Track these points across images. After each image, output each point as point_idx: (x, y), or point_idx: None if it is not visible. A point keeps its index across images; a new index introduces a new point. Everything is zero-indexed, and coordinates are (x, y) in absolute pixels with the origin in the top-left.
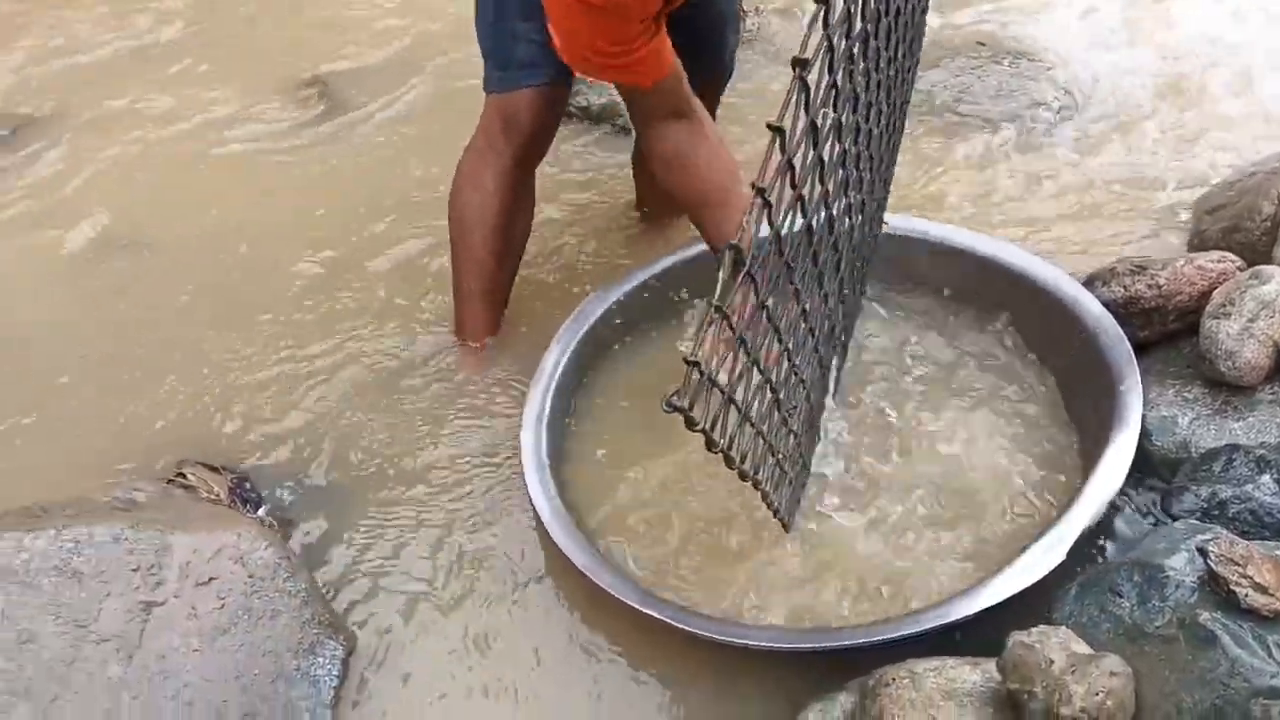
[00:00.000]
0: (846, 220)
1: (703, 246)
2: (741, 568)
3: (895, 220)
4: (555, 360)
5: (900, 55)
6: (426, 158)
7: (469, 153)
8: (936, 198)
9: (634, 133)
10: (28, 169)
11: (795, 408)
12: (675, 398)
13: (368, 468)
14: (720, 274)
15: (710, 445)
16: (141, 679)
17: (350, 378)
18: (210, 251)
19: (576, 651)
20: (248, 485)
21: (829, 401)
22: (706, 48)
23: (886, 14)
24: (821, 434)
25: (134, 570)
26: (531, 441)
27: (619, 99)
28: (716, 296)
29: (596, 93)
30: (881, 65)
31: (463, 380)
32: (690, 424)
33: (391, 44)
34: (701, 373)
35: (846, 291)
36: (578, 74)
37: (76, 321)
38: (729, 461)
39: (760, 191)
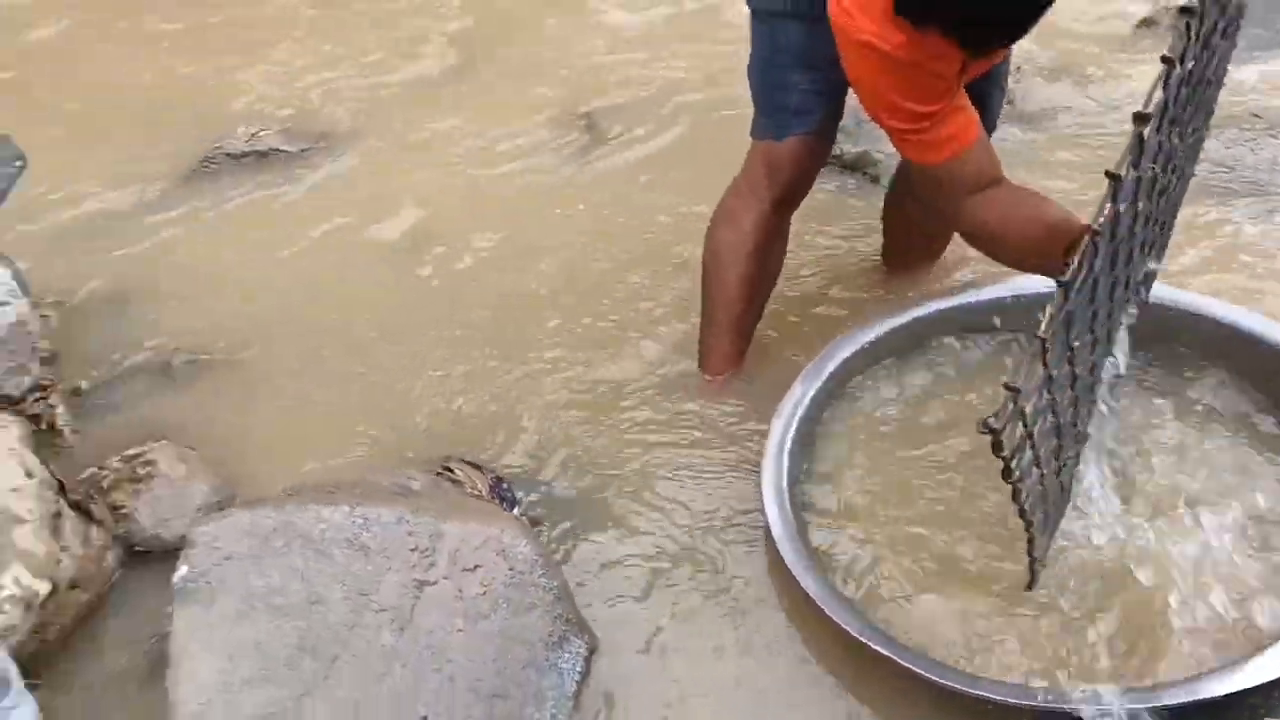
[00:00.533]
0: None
1: (946, 302)
2: (987, 623)
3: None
4: (798, 398)
5: (1197, 124)
6: (681, 193)
7: (730, 193)
8: (1202, 266)
9: (885, 182)
10: (324, 181)
11: (1071, 457)
12: (993, 419)
13: (609, 483)
14: (1049, 309)
15: (1006, 475)
16: (411, 650)
17: (597, 398)
18: (484, 266)
19: (804, 686)
20: (505, 485)
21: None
22: (976, 106)
23: (1198, 82)
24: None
25: (412, 550)
26: (772, 475)
27: (870, 149)
28: (1043, 328)
29: (851, 141)
30: (1186, 130)
31: (702, 410)
32: (997, 449)
33: (653, 84)
34: (1016, 401)
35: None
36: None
37: (370, 318)
38: (1015, 495)
39: (1095, 233)
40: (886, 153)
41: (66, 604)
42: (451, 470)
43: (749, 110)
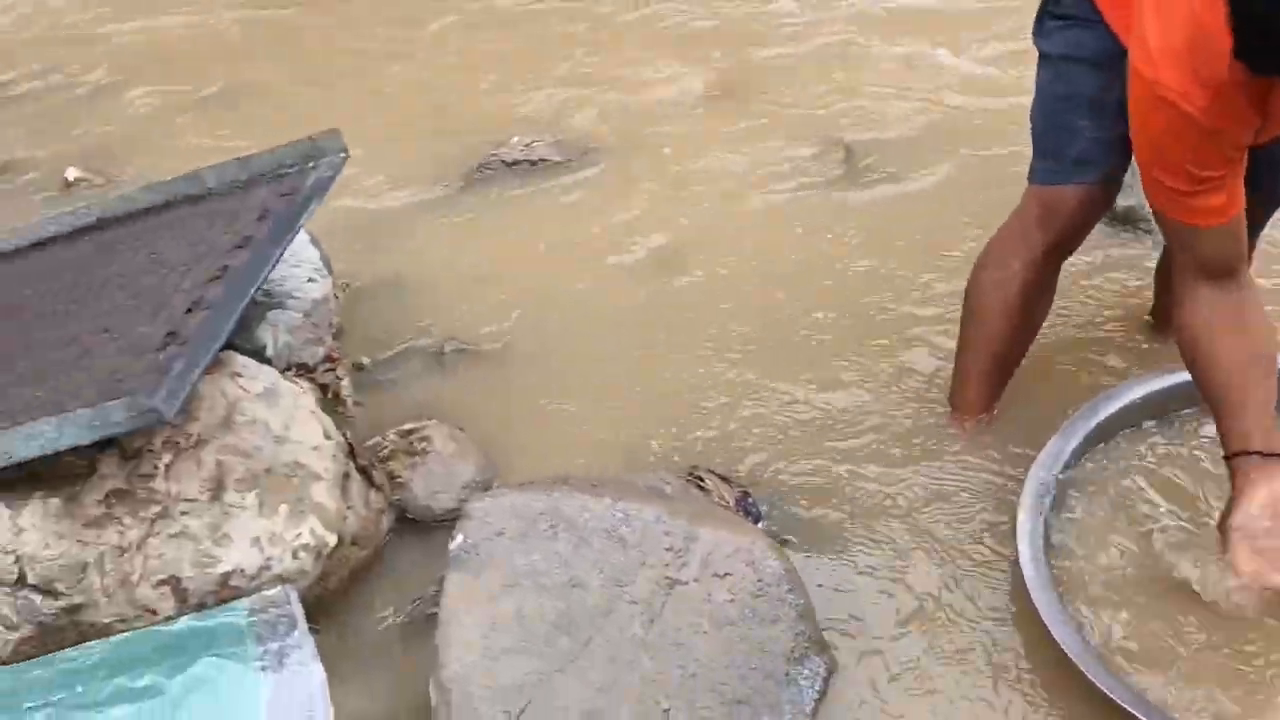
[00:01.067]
0: None
1: None
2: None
3: None
4: (1057, 451)
5: None
6: (941, 232)
7: (1000, 235)
8: None
9: (1157, 239)
10: (588, 192)
11: None
12: None
13: (851, 511)
14: None
15: None
16: (659, 644)
17: (843, 425)
18: (732, 286)
19: None
20: (751, 500)
21: None
22: (1269, 170)
23: None
24: None
25: (667, 549)
26: (1027, 528)
27: (1136, 204)
28: None
29: (1123, 195)
30: None
31: (952, 451)
32: None
33: (919, 121)
34: None
35: None
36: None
37: (627, 326)
38: None
39: None
40: None
41: (346, 558)
42: (701, 480)
43: (1020, 153)
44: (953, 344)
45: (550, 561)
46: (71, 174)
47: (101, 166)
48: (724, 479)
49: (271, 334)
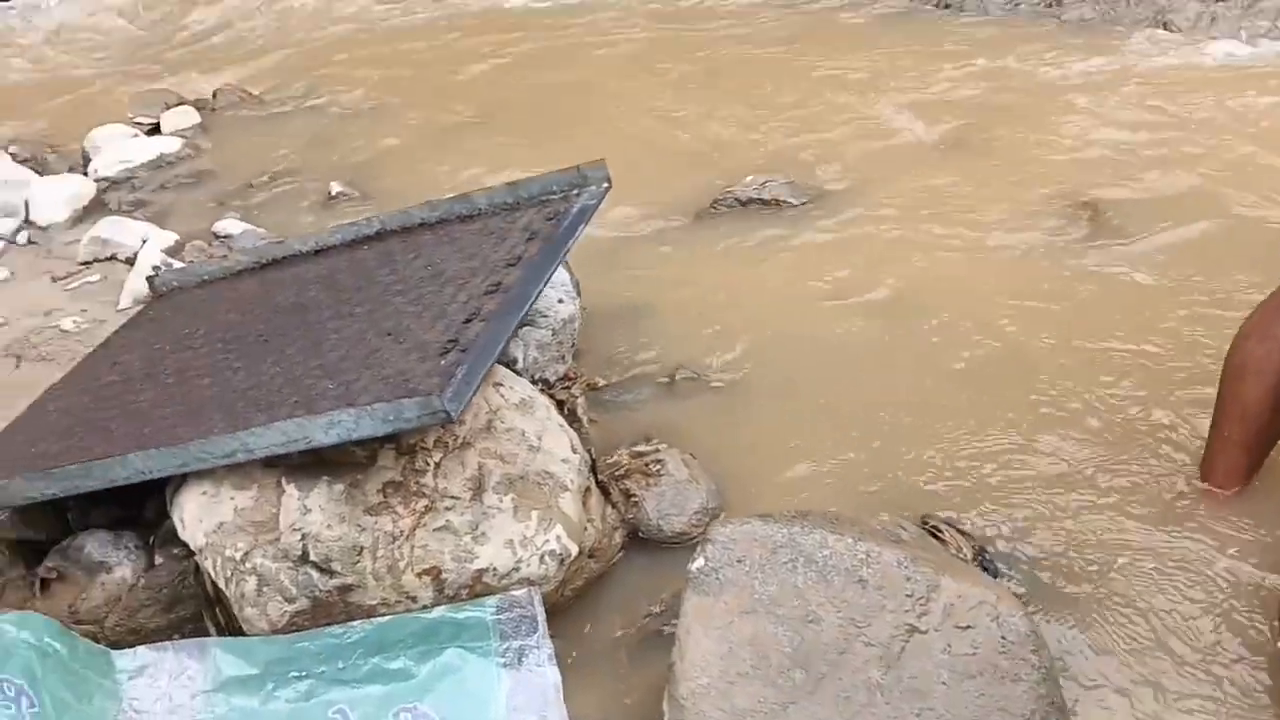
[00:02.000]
0: None
1: None
2: None
3: None
4: None
5: None
6: (1188, 296)
7: (1265, 305)
8: None
9: None
10: (818, 234)
11: None
12: None
13: (1093, 575)
14: None
15: None
16: (894, 688)
17: (1085, 484)
18: (962, 335)
19: None
20: (988, 556)
21: None
22: None
23: None
24: None
25: (908, 595)
26: None
27: None
28: None
29: None
30: None
31: (1202, 522)
32: None
33: (1175, 178)
34: None
35: None
36: None
37: (857, 367)
38: None
39: None
40: None
41: (582, 569)
42: (938, 530)
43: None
44: (1206, 412)
45: (788, 593)
46: (334, 188)
47: (361, 182)
48: (961, 531)
49: (522, 348)
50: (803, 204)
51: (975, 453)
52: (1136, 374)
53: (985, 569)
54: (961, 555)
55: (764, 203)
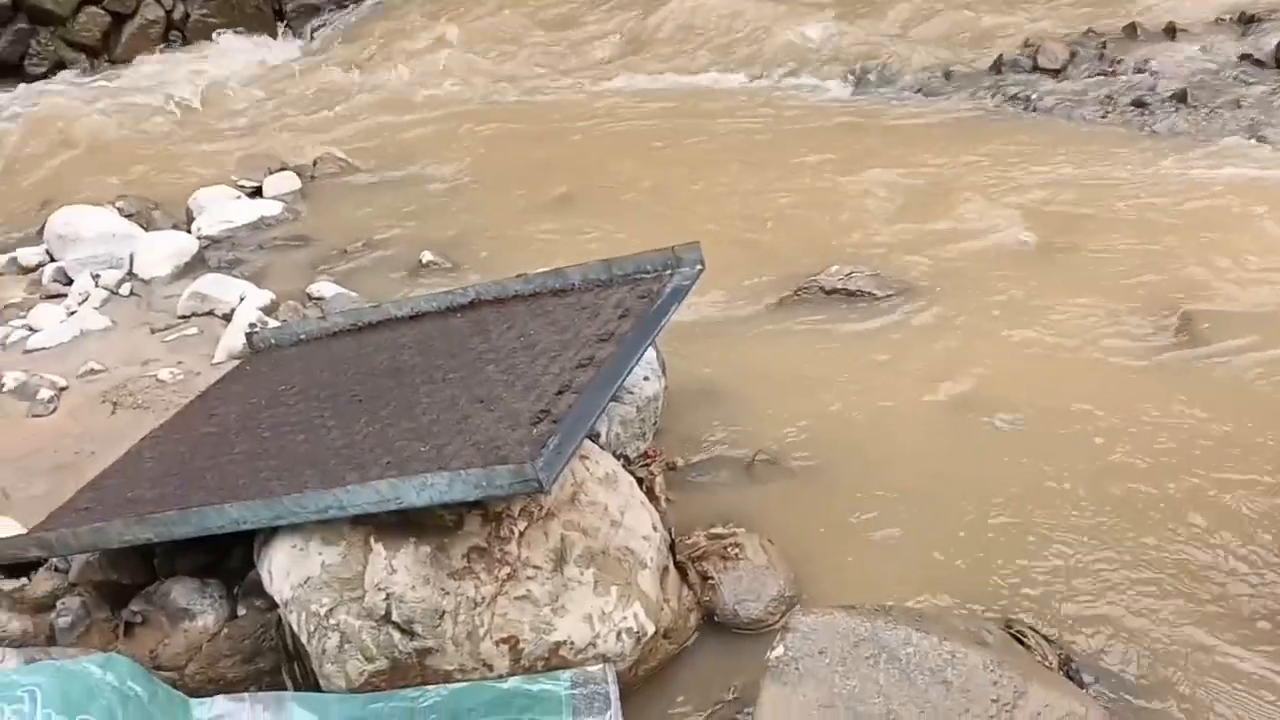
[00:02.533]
0: None
1: None
2: None
3: None
4: None
5: None
6: None
7: None
8: None
9: None
10: (899, 328)
11: None
12: None
13: (1188, 695)
14: None
15: None
16: None
17: (1173, 599)
18: (1046, 438)
19: None
20: (1074, 666)
21: None
22: None
23: None
24: None
25: (993, 700)
26: None
27: None
28: None
29: None
30: None
31: None
32: None
33: (1262, 294)
34: None
35: None
36: None
37: (936, 463)
38: None
39: None
40: None
41: (657, 649)
42: (1023, 635)
43: None
44: None
45: (869, 690)
46: (425, 256)
47: (450, 253)
48: (1047, 638)
49: (606, 423)
50: (887, 296)
51: (1062, 555)
52: (1234, 487)
53: (1071, 678)
54: (1047, 663)
55: (848, 293)
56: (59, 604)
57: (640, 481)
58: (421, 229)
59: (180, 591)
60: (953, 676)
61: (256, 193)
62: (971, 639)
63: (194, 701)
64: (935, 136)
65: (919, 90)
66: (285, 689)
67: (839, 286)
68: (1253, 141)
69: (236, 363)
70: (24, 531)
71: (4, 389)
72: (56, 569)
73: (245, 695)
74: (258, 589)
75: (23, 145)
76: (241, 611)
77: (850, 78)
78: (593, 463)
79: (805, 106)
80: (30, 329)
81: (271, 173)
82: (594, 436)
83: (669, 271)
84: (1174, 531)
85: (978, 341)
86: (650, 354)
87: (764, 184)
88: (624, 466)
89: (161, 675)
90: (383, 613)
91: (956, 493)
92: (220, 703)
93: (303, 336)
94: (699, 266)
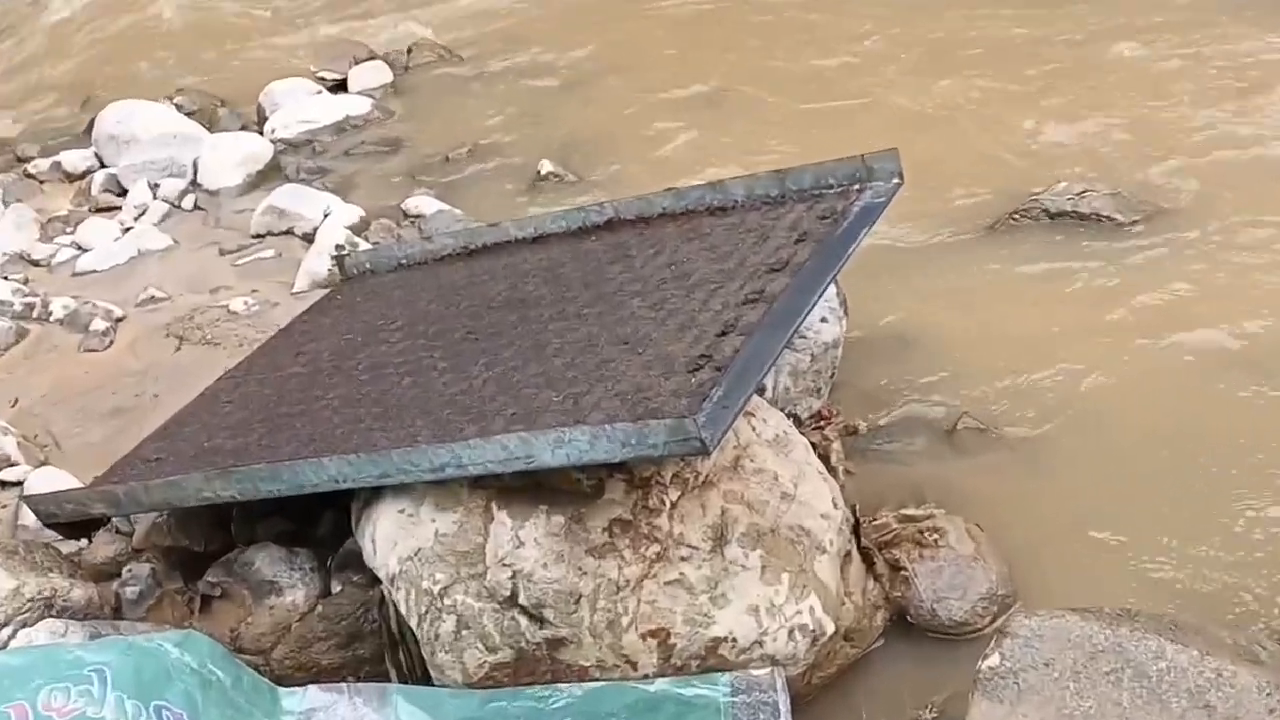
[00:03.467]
0: None
1: None
2: None
3: None
4: None
5: None
6: None
7: None
8: None
9: None
10: (1150, 262)
11: None
12: None
13: None
14: None
15: None
16: None
17: None
18: None
19: None
20: None
21: None
22: None
23: None
24: None
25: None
26: None
27: None
28: None
29: None
30: None
31: None
32: None
33: None
34: None
35: None
36: None
37: (1197, 438)
38: None
39: None
40: None
41: (836, 653)
42: None
43: None
44: None
45: (1109, 712)
46: (545, 166)
47: (575, 163)
48: None
49: (773, 374)
50: (1132, 222)
51: None
52: None
53: None
54: None
55: (1080, 217)
56: (125, 571)
57: (813, 447)
58: (538, 132)
59: (265, 561)
60: (1217, 701)
61: (340, 87)
62: (1241, 655)
63: (283, 690)
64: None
65: None
66: (389, 679)
67: (1068, 209)
68: None
69: (324, 291)
70: (79, 485)
71: (52, 318)
72: (119, 531)
73: (343, 685)
74: (356, 562)
75: (68, 21)
76: (336, 588)
77: None
78: (760, 421)
79: None
80: (79, 248)
81: (358, 62)
82: (759, 390)
83: (857, 186)
84: None
85: (1253, 280)
86: (830, 290)
87: (960, 78)
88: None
89: (244, 658)
90: (508, 593)
91: (1219, 476)
92: (314, 693)
93: (403, 261)
94: (896, 180)
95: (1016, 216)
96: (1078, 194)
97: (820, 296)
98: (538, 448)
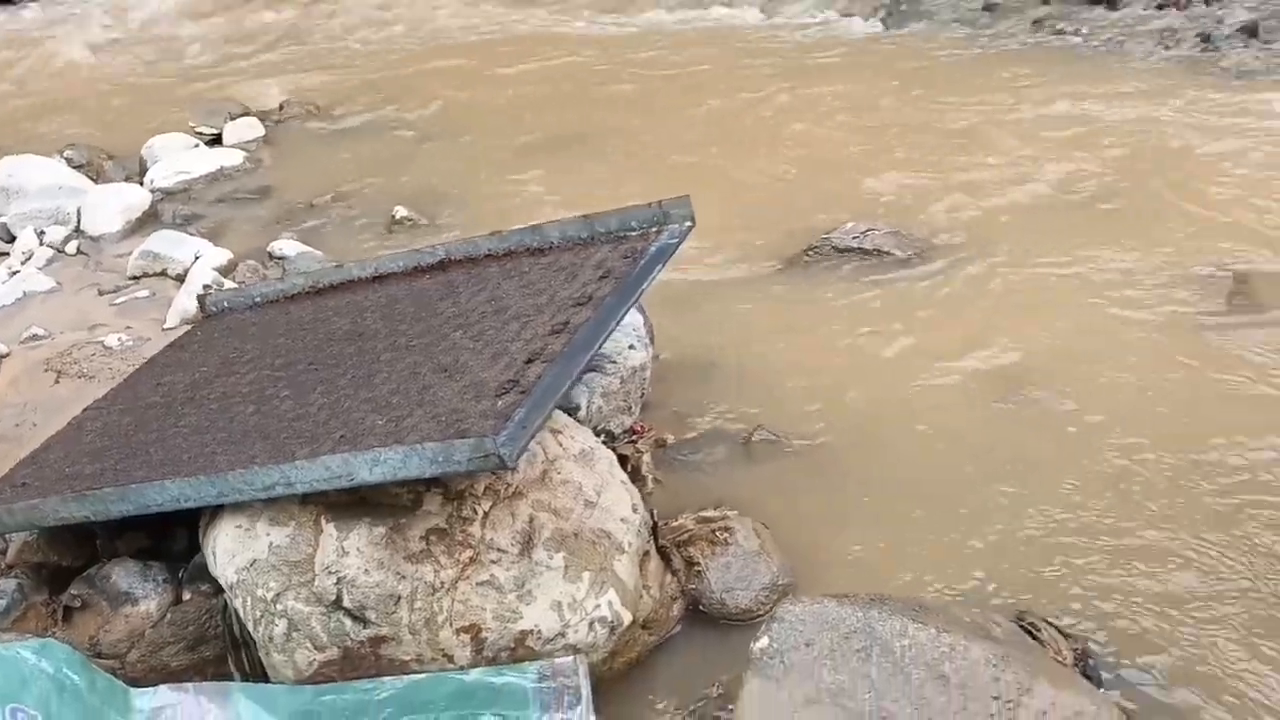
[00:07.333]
0: None
1: None
2: None
3: None
4: None
5: None
6: None
7: None
8: None
9: None
10: (923, 292)
11: None
12: None
13: (1209, 695)
14: None
15: None
16: None
17: (1203, 596)
18: (1098, 417)
19: None
20: (1091, 662)
21: None
22: None
23: None
24: None
25: (995, 698)
26: None
27: None
28: None
29: None
30: None
31: None
32: None
33: None
34: None
35: None
36: None
37: (957, 444)
38: None
39: None
40: None
41: (635, 640)
42: (1035, 628)
43: None
44: None
45: (859, 685)
46: (399, 211)
47: (427, 207)
48: (1062, 632)
49: (586, 396)
50: (908, 257)
51: (1084, 546)
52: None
53: (1088, 676)
54: (1061, 658)
55: (864, 253)
56: None
57: (625, 460)
58: (395, 180)
59: (121, 574)
60: (951, 671)
61: (216, 140)
62: (976, 632)
63: (135, 691)
64: (968, 74)
65: (956, 22)
66: (232, 679)
67: (853, 245)
68: None
69: (188, 328)
70: None
71: None
72: None
73: (189, 685)
74: (203, 573)
75: None
76: (187, 596)
77: (880, 10)
78: (567, 438)
79: (827, 43)
80: None
81: (233, 118)
82: (572, 410)
83: (655, 229)
84: (1207, 526)
85: (1009, 309)
86: (637, 320)
87: (776, 130)
88: (608, 443)
89: (102, 663)
90: (333, 598)
91: (975, 476)
92: (163, 693)
93: (259, 299)
94: (688, 223)
95: (810, 254)
96: (862, 233)
97: (616, 325)
98: (357, 466)
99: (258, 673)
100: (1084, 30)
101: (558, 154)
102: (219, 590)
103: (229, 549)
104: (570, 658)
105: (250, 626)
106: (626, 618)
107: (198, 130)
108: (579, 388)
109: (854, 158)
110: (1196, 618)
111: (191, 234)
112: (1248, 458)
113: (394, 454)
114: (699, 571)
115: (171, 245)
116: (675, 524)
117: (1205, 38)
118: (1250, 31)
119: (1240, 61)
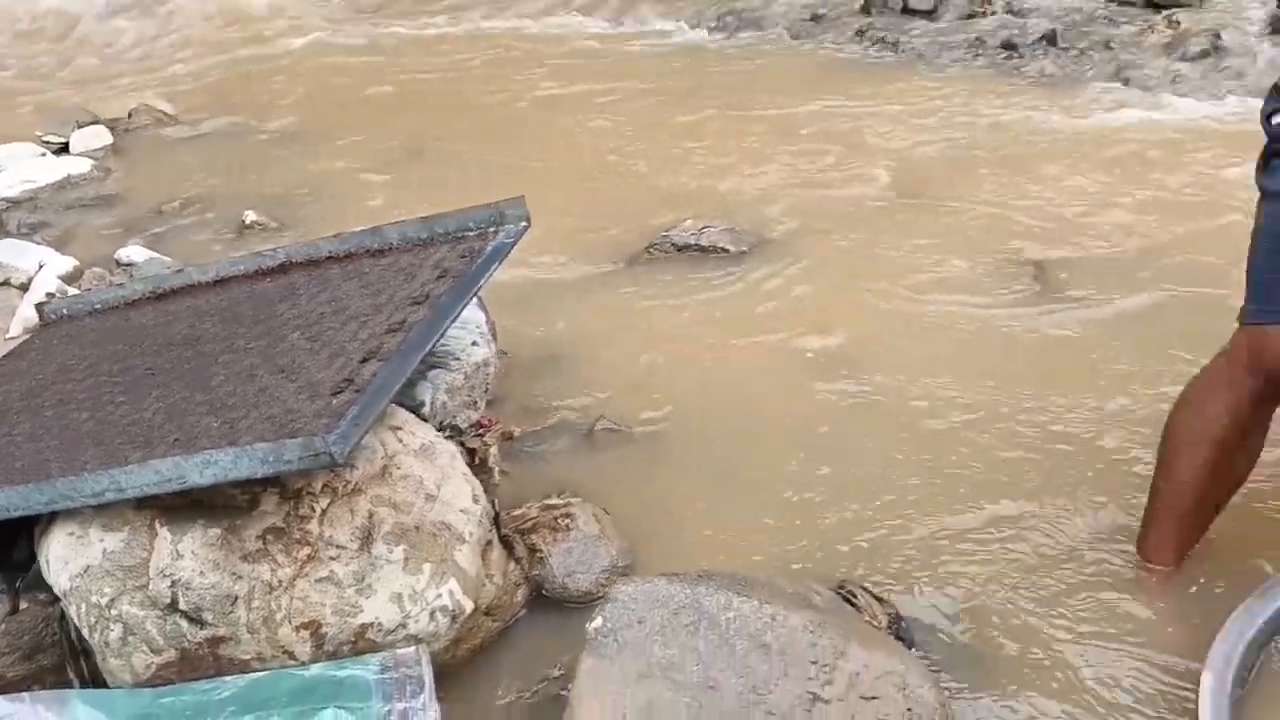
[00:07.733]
0: None
1: None
2: None
3: None
4: (1256, 611)
5: None
6: (1137, 361)
7: (1203, 376)
8: None
9: None
10: (756, 284)
11: None
12: None
13: (1013, 646)
14: None
15: None
16: None
17: (1012, 554)
18: (899, 395)
19: None
20: (904, 624)
21: None
22: None
23: None
24: None
25: (813, 662)
26: (1214, 694)
27: None
28: None
29: None
30: None
31: (1131, 598)
32: None
33: (1121, 244)
34: None
35: None
36: None
37: (785, 426)
38: None
39: None
40: None
41: (478, 628)
42: (853, 595)
43: (1231, 289)
44: (1144, 485)
45: (687, 658)
46: (249, 216)
47: (278, 212)
48: (877, 598)
49: (430, 392)
50: (741, 252)
51: (901, 519)
52: (1077, 444)
53: (900, 638)
54: (875, 622)
55: (701, 249)
56: None
57: (473, 453)
58: (246, 185)
59: None
60: (772, 640)
61: (64, 149)
62: (797, 601)
63: None
64: (798, 82)
65: (786, 32)
66: (71, 686)
67: (692, 243)
68: (1119, 85)
69: (28, 337)
70: None
71: None
72: None
73: (25, 694)
74: (40, 581)
75: None
76: (23, 606)
77: (713, 21)
78: (407, 434)
79: (663, 52)
80: None
81: (80, 126)
82: (416, 406)
83: (493, 229)
84: (1016, 492)
85: (834, 300)
86: (479, 317)
87: (616, 136)
88: (454, 437)
89: None
90: (168, 601)
91: (800, 458)
92: None
93: (99, 306)
94: (524, 223)
95: (650, 251)
96: (699, 230)
97: (452, 323)
98: (188, 469)
99: (97, 680)
100: (903, 39)
101: (412, 160)
102: (56, 599)
103: (62, 556)
104: (412, 648)
105: (86, 633)
106: (468, 606)
107: (44, 139)
108: (423, 384)
109: (693, 159)
110: (1005, 576)
111: (37, 242)
112: (1057, 429)
113: (225, 456)
114: (542, 558)
115: (15, 254)
116: (518, 512)
117: (1010, 46)
118: (1050, 40)
119: (1041, 67)
